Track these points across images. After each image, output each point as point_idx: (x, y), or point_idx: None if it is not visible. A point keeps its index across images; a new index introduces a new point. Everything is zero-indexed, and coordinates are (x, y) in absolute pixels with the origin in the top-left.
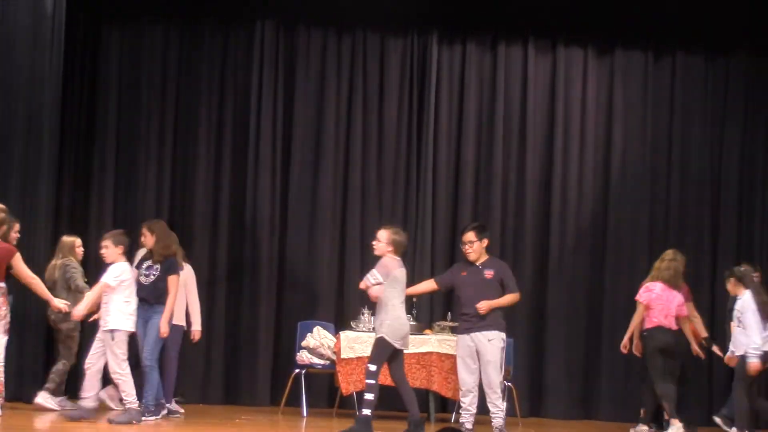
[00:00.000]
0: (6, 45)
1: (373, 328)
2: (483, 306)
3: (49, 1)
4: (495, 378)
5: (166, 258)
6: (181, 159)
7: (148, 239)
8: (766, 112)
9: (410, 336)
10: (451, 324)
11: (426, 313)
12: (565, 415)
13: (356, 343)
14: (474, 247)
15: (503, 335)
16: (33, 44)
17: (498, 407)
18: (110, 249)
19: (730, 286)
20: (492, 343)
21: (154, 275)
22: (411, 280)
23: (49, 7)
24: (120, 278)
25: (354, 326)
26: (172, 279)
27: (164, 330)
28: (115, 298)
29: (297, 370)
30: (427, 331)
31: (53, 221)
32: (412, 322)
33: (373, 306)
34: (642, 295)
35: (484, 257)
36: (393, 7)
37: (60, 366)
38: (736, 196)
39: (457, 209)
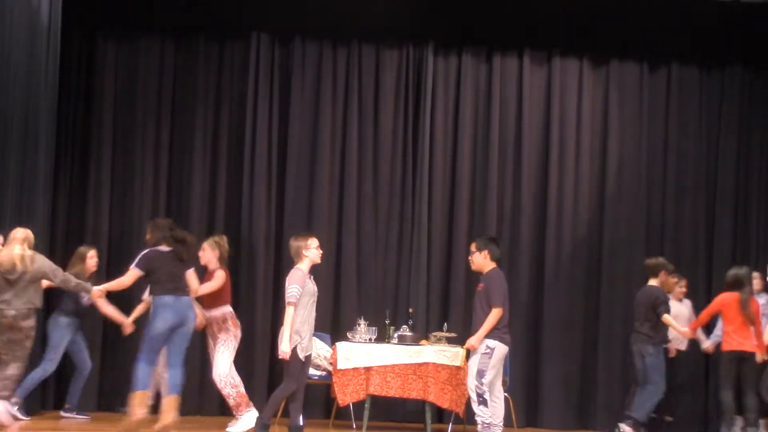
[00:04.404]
0: (1, 57)
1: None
2: (470, 344)
3: (44, 13)
4: (470, 382)
5: None
6: (176, 170)
7: None
8: (761, 124)
9: (407, 346)
10: (447, 335)
11: (422, 323)
12: (562, 425)
13: (352, 353)
14: (473, 257)
15: (489, 341)
16: (28, 56)
17: (474, 412)
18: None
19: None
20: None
21: None
22: (407, 291)
23: (44, 19)
24: None
25: (350, 337)
26: None
27: None
28: None
29: None
30: (424, 341)
31: (49, 232)
32: (408, 333)
33: (369, 317)
34: None
35: (488, 269)
36: (388, 18)
37: None
38: (732, 207)
39: (452, 219)
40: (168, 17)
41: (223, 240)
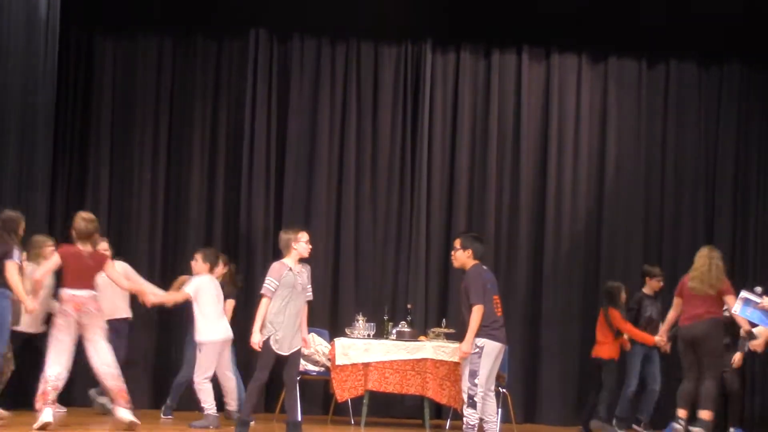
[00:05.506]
0: None
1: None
2: (463, 351)
3: (42, 10)
4: (463, 383)
5: None
6: (175, 168)
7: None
8: (759, 119)
9: (406, 342)
10: (445, 330)
11: (421, 319)
12: (560, 422)
13: (351, 349)
14: (456, 254)
15: (477, 340)
16: (26, 53)
17: (464, 414)
18: (198, 263)
19: None
20: None
21: None
22: (405, 287)
23: (43, 15)
24: (198, 290)
25: (348, 333)
26: None
27: None
28: (197, 309)
29: None
30: (422, 337)
31: (48, 229)
32: (406, 329)
33: (368, 313)
34: None
35: (469, 266)
36: (387, 15)
37: None
38: (731, 203)
39: (451, 216)
40: (166, 14)
41: (78, 217)
